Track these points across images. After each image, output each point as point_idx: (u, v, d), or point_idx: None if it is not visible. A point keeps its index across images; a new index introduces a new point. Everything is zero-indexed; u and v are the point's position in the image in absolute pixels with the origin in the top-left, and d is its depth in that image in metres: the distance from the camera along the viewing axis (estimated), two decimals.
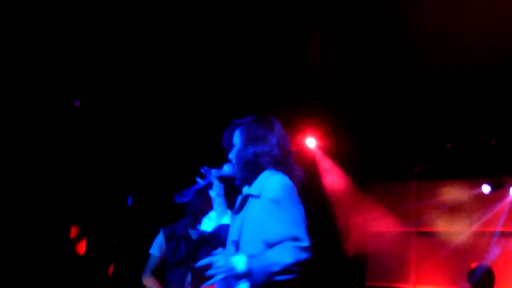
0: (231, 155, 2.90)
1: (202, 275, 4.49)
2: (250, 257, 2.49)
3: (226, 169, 2.96)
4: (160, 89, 6.12)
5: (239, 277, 2.46)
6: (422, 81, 6.07)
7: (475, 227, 7.70)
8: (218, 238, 2.96)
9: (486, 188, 7.48)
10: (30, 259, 5.58)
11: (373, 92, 6.42)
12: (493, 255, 7.24)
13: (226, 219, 2.99)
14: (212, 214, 3.09)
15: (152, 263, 4.91)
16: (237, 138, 2.87)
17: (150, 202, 6.60)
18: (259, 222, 2.59)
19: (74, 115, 5.88)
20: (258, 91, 6.28)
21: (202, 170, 3.00)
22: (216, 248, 2.91)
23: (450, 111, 6.52)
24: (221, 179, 2.99)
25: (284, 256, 2.43)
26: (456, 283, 7.38)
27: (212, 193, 3.02)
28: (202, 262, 2.58)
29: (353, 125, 7.06)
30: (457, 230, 7.81)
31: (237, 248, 2.63)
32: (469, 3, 4.75)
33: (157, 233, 4.95)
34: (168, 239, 4.85)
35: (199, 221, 4.67)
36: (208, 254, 4.51)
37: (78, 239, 6.28)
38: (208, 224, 3.08)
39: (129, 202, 6.53)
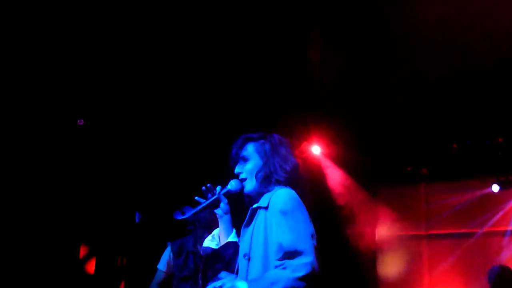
0: (240, 169, 2.87)
1: None
2: (251, 281, 2.52)
3: (234, 184, 2.87)
4: (164, 106, 6.12)
5: None
6: (425, 83, 6.05)
7: (486, 227, 7.63)
8: (225, 255, 2.91)
9: (495, 187, 7.43)
10: (40, 281, 5.55)
11: (377, 96, 6.40)
12: (506, 254, 7.16)
13: (232, 237, 2.93)
14: (216, 232, 3.03)
15: (158, 277, 4.86)
16: (253, 153, 2.86)
17: (158, 218, 6.57)
18: (268, 232, 2.63)
19: (80, 134, 5.88)
20: (263, 101, 6.27)
21: (203, 188, 2.89)
22: (225, 266, 2.91)
23: (455, 112, 6.48)
24: (228, 195, 2.89)
25: (284, 275, 2.46)
26: (471, 284, 7.31)
27: (219, 211, 2.91)
28: (212, 286, 2.59)
29: (358, 131, 7.03)
30: (468, 231, 7.75)
31: (249, 260, 2.64)
32: (467, 3, 4.73)
33: (165, 248, 4.91)
34: (176, 254, 4.81)
35: (207, 236, 4.66)
36: (217, 271, 4.49)
37: (87, 258, 6.26)
38: (211, 242, 3.01)
39: (137, 219, 6.52)
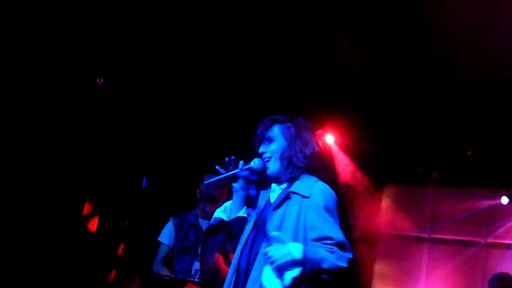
0: (265, 149, 2.91)
1: (211, 264, 4.53)
2: (306, 246, 2.58)
3: (257, 163, 2.90)
4: (182, 75, 6.10)
5: (294, 263, 2.53)
6: (448, 85, 5.99)
7: (490, 238, 7.59)
8: (233, 228, 2.94)
9: (504, 200, 7.38)
10: (40, 232, 5.61)
11: (397, 92, 6.35)
12: (507, 267, 7.10)
13: (242, 212, 2.96)
14: (228, 204, 3.05)
15: (162, 252, 4.90)
16: (278, 135, 2.91)
17: (164, 185, 6.60)
18: (300, 220, 2.71)
19: (92, 94, 5.87)
20: (281, 86, 6.25)
21: (227, 159, 2.91)
22: (230, 238, 2.97)
23: (474, 118, 6.42)
24: (249, 172, 2.92)
25: (331, 257, 2.57)
26: None
27: (236, 185, 2.95)
28: (262, 252, 2.62)
29: (374, 125, 6.99)
30: (471, 240, 7.71)
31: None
32: (502, 10, 4.65)
33: (167, 219, 4.96)
34: (177, 227, 4.86)
35: (209, 209, 4.69)
36: (217, 243, 4.52)
37: (90, 216, 6.31)
38: (222, 213, 3.03)
39: (144, 184, 6.55)
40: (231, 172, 2.89)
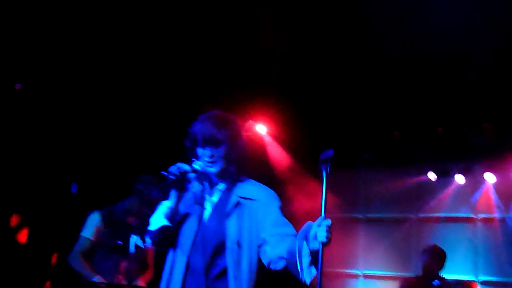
0: (212, 151, 2.86)
1: (138, 263, 4.44)
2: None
3: (202, 164, 2.88)
4: (104, 74, 5.93)
5: None
6: (371, 68, 6.09)
7: (421, 213, 7.83)
8: (176, 233, 2.90)
9: (431, 175, 7.63)
10: None
11: (324, 79, 6.42)
12: (438, 239, 7.34)
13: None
14: (165, 208, 2.94)
15: (81, 245, 4.69)
16: (226, 137, 2.88)
17: (95, 190, 6.42)
18: (252, 222, 2.85)
19: (15, 99, 5.63)
20: (211, 75, 6.18)
21: (175, 166, 2.84)
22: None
23: (398, 99, 6.58)
24: (193, 176, 2.91)
25: None
26: (403, 266, 7.50)
27: (183, 189, 2.91)
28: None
29: (303, 112, 7.05)
30: (403, 217, 7.93)
31: (239, 247, 2.79)
32: None
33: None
34: (106, 223, 4.69)
35: (145, 210, 4.57)
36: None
37: (19, 227, 6.06)
38: (166, 219, 2.90)
39: (74, 189, 6.34)
40: (178, 177, 2.82)
